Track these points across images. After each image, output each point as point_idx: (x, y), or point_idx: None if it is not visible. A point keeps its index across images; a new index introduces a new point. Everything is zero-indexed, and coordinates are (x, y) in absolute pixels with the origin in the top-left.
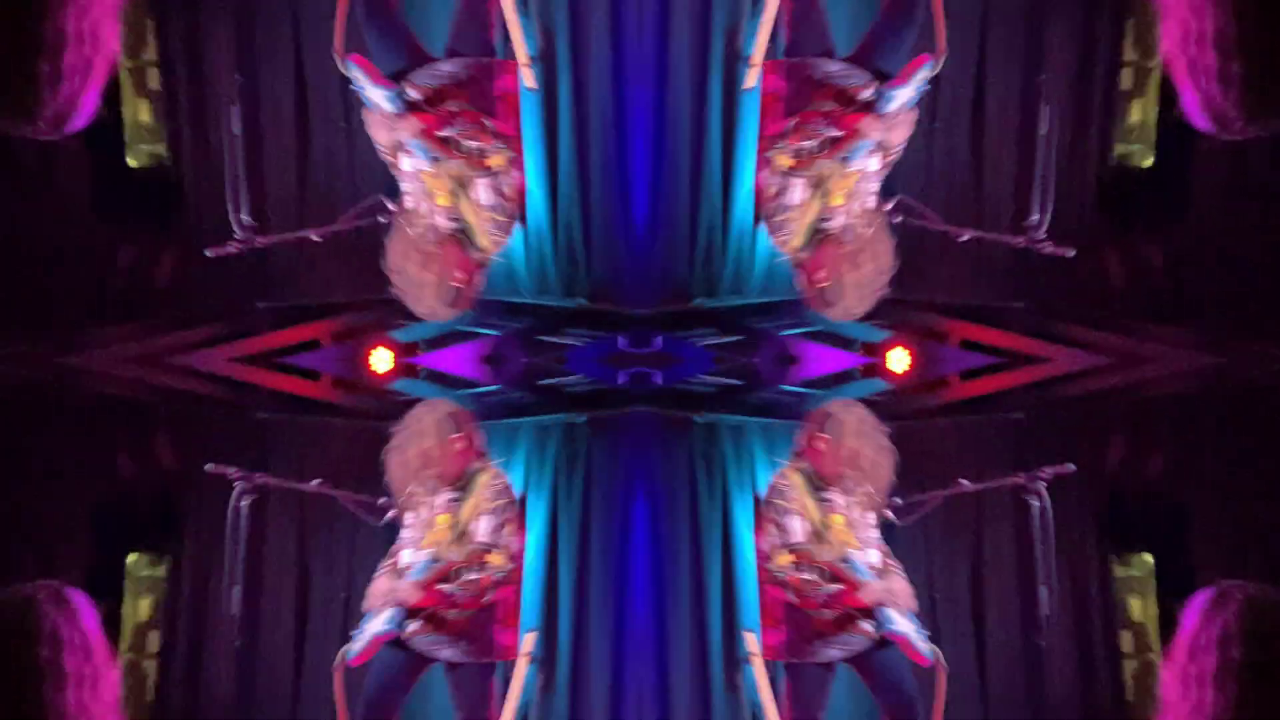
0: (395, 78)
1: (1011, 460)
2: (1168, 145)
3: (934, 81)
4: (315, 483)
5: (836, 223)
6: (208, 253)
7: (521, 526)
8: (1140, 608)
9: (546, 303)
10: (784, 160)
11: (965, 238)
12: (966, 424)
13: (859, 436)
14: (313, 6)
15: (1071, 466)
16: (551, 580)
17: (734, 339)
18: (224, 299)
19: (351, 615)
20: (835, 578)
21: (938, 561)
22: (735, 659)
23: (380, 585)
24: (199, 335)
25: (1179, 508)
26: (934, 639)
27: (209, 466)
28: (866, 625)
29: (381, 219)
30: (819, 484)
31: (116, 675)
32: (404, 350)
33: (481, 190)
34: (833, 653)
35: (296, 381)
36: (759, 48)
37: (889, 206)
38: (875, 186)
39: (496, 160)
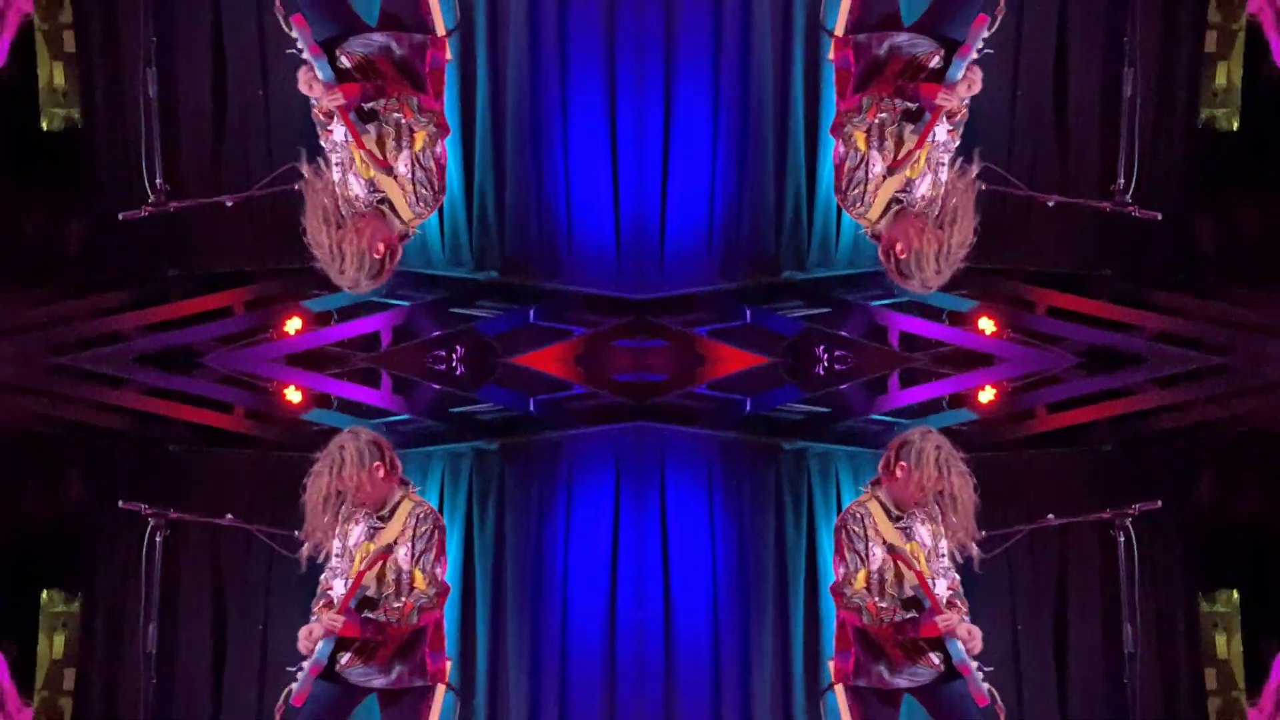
0: (327, 46)
1: (1098, 494)
2: (1255, 108)
3: (1016, 48)
4: (228, 517)
5: (915, 194)
6: (120, 216)
7: (443, 552)
8: (1226, 645)
9: (459, 275)
10: (858, 133)
11: (1051, 203)
12: (1053, 456)
13: (937, 465)
14: None
15: (1158, 503)
16: (468, 609)
17: (822, 310)
18: (136, 264)
19: (269, 649)
20: (909, 606)
21: (1022, 595)
22: (818, 687)
23: (314, 620)
24: (110, 301)
25: (1268, 544)
26: (1016, 673)
27: (121, 503)
28: (935, 656)
29: (297, 186)
30: (897, 512)
31: (29, 717)
32: (316, 319)
33: (403, 164)
34: (902, 681)
35: (208, 414)
36: (842, 19)
37: (973, 174)
38: (948, 155)
39: (421, 135)
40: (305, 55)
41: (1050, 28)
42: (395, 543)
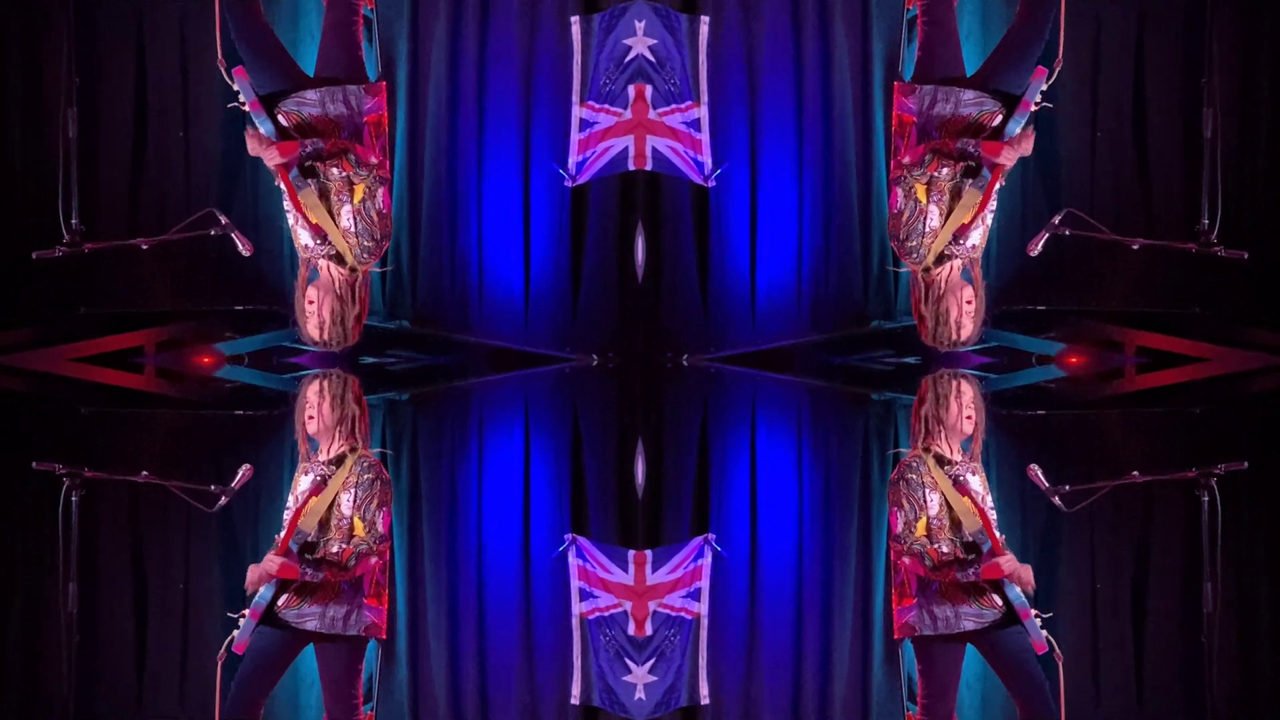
0: (267, 101)
1: (1185, 454)
2: None
3: (1094, 90)
4: (144, 474)
5: (965, 245)
6: (34, 256)
7: (385, 503)
8: None
9: (369, 323)
10: (919, 186)
11: (1136, 246)
12: (1140, 416)
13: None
14: (157, 13)
15: (1245, 464)
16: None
17: (911, 360)
18: (47, 302)
19: (191, 604)
20: (968, 548)
21: (1102, 551)
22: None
23: (258, 565)
24: (17, 338)
25: None
26: (1093, 630)
27: (34, 464)
28: (995, 598)
29: (213, 231)
30: (947, 461)
31: None
32: (229, 363)
33: (345, 217)
34: (965, 624)
35: (119, 374)
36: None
37: (1057, 219)
38: (994, 204)
39: (361, 188)
40: (245, 109)
41: (1128, 70)
42: (339, 490)
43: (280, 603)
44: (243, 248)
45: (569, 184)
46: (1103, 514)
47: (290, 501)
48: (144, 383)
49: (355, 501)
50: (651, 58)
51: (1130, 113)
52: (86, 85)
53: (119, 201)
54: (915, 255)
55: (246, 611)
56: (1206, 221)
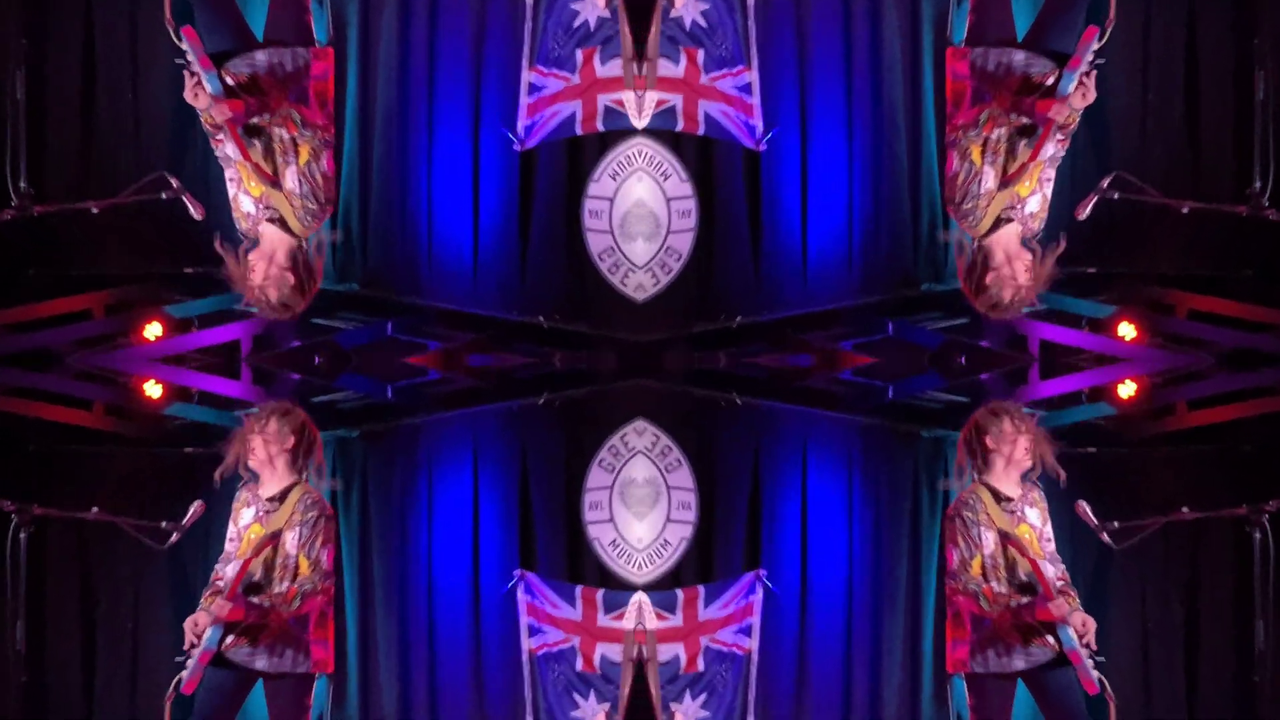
0: (217, 59)
1: (1237, 491)
2: None
3: (1146, 54)
4: (95, 511)
5: (1023, 212)
6: None
7: (330, 540)
8: None
9: (321, 286)
10: (974, 147)
11: (1185, 209)
12: (1192, 453)
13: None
14: None
15: None
16: (338, 594)
17: (961, 321)
18: None
19: (140, 644)
20: (1024, 589)
21: (1152, 588)
22: (945, 670)
23: (204, 606)
24: None
25: None
26: (1145, 666)
27: None
28: (1050, 640)
29: (164, 195)
30: (1004, 496)
31: None
32: (177, 325)
33: (290, 178)
34: (1019, 664)
35: (68, 411)
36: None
37: (1105, 183)
38: (1052, 172)
39: (306, 149)
40: (194, 68)
41: (1179, 31)
42: (284, 528)
43: (228, 643)
44: (194, 211)
45: (518, 148)
46: (1153, 551)
47: (232, 537)
48: (92, 420)
49: (300, 540)
50: (703, 22)
51: (1181, 75)
52: (34, 48)
53: (69, 164)
54: (971, 219)
55: (194, 652)
56: (1259, 184)
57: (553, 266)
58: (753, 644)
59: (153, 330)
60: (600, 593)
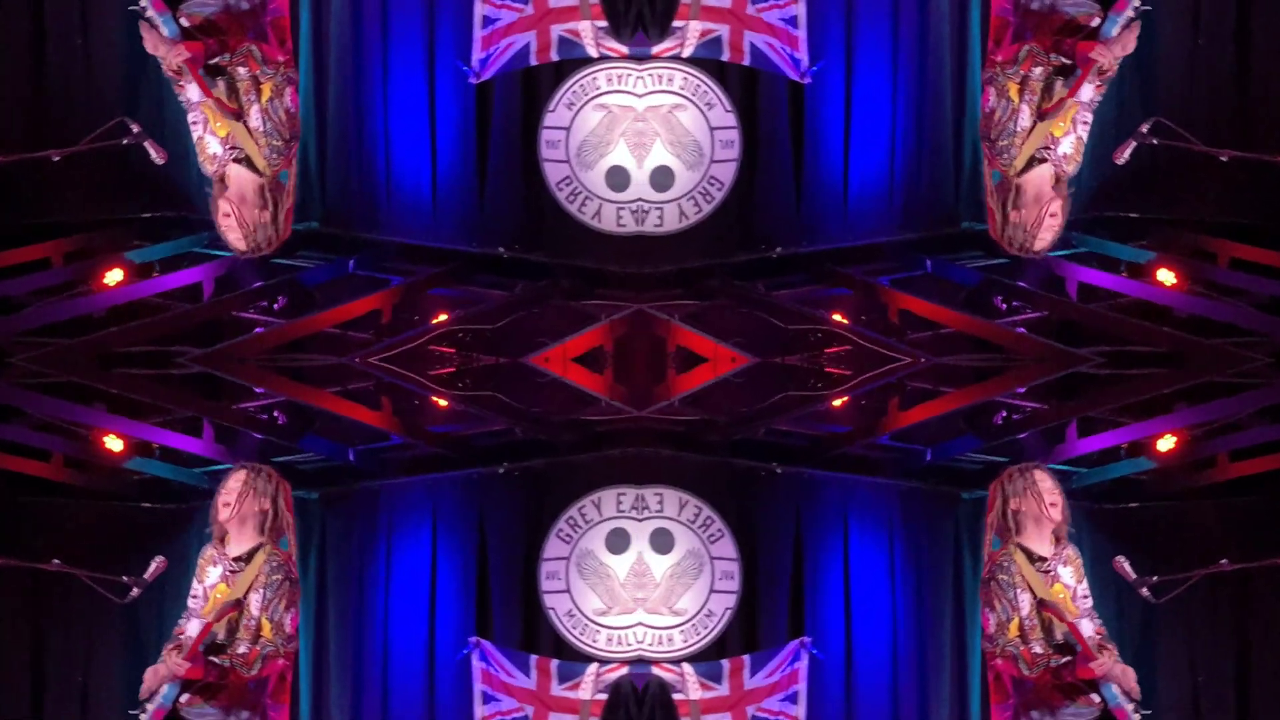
0: (171, 3)
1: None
2: None
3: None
4: (55, 563)
5: (1057, 152)
6: None
7: (293, 604)
8: None
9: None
10: (1012, 85)
11: (1225, 158)
12: (1234, 505)
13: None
14: None
15: None
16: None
17: (1000, 261)
18: None
19: (90, 701)
20: (1062, 649)
21: (1201, 643)
22: None
23: (161, 661)
24: None
25: None
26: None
27: None
28: (1094, 697)
29: (125, 140)
30: (1036, 556)
31: None
32: (138, 271)
33: (254, 117)
34: None
35: (25, 462)
36: None
37: (1145, 128)
38: (1089, 117)
39: (268, 86)
40: (149, 13)
41: None
42: (249, 590)
43: (183, 701)
44: (155, 155)
45: (473, 80)
46: (1196, 605)
47: (195, 594)
48: (50, 471)
49: (264, 602)
50: None
51: (1233, 19)
52: None
53: (22, 111)
54: (1005, 156)
55: (150, 706)
56: None
57: (511, 198)
58: (799, 711)
59: (113, 276)
60: (555, 662)
